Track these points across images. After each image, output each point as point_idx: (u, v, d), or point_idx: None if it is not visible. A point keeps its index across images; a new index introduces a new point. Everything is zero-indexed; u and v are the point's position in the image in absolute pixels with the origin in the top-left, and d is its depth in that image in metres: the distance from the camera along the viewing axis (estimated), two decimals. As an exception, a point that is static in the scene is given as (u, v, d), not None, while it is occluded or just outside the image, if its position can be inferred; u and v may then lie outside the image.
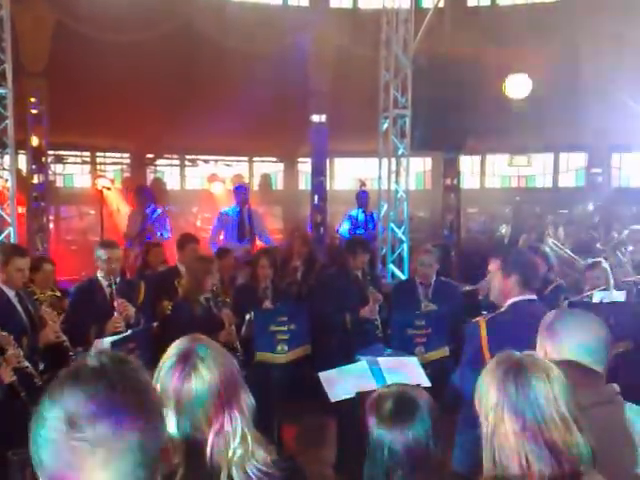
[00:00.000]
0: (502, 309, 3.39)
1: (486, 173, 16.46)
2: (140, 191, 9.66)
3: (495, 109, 10.84)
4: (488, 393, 1.78)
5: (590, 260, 6.07)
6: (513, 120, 11.24)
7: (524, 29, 11.04)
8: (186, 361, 1.84)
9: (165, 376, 1.84)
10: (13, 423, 3.79)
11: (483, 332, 3.22)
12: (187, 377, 1.82)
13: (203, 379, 1.81)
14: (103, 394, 1.10)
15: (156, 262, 7.16)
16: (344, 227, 9.91)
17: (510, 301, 3.37)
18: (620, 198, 13.46)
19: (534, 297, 3.40)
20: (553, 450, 1.68)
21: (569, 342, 2.21)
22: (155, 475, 1.15)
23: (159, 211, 9.39)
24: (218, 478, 1.76)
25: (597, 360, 2.20)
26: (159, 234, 9.06)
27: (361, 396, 3.91)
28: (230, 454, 1.77)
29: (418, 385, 2.04)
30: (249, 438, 1.81)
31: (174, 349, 1.90)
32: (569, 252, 7.51)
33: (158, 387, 1.84)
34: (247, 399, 1.88)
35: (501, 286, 3.43)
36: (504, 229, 13.05)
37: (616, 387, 2.21)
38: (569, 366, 2.16)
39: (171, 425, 1.79)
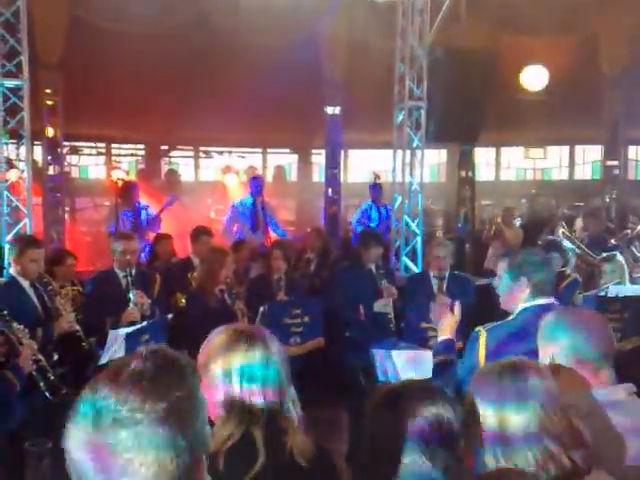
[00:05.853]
0: (509, 317, 2.99)
1: (501, 165, 16.36)
2: (128, 188, 9.25)
3: (511, 101, 10.75)
4: (484, 393, 1.78)
5: (605, 254, 6.01)
6: (529, 112, 11.15)
7: (541, 19, 10.92)
8: (253, 340, 2.00)
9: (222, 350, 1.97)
10: (31, 414, 3.84)
11: (482, 344, 2.89)
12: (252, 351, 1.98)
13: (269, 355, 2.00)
14: (131, 401, 1.08)
15: (165, 254, 7.18)
16: (356, 219, 9.90)
17: (520, 307, 2.94)
18: (637, 191, 13.34)
19: (550, 301, 2.93)
20: (560, 445, 1.68)
21: (570, 343, 2.17)
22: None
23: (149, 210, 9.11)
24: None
25: (602, 358, 2.16)
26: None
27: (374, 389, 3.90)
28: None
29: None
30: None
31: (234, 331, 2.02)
32: (582, 246, 7.38)
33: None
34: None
35: (509, 290, 3.00)
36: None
37: (632, 386, 2.17)
38: (577, 365, 2.14)
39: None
